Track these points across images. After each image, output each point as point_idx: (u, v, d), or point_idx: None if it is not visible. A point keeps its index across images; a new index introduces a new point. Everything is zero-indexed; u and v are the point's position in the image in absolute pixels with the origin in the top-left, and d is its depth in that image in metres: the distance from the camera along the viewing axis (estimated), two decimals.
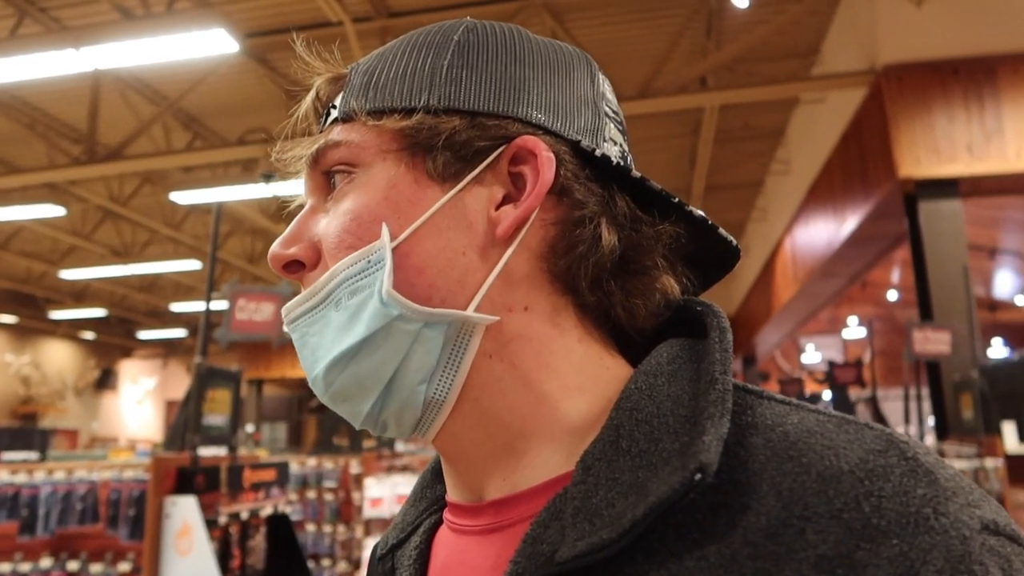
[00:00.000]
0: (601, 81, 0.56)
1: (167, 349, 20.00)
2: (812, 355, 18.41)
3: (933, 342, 4.72)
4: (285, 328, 0.54)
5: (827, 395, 15.75)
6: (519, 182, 0.51)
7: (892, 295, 13.00)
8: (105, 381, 18.40)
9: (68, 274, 12.36)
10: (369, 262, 0.49)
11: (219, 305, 3.25)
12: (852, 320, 15.21)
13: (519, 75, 0.52)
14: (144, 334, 18.30)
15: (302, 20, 6.44)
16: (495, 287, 0.49)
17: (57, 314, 15.68)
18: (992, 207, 8.15)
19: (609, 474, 0.44)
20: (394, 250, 0.49)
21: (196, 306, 14.39)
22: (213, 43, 5.34)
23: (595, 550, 0.41)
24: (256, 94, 7.64)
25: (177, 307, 15.36)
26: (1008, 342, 15.28)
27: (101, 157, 7.40)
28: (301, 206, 0.57)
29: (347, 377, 0.49)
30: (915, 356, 4.73)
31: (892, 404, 13.51)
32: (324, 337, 0.50)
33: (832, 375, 11.56)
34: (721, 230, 0.54)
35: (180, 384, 19.39)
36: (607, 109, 0.55)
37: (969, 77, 5.49)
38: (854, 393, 12.14)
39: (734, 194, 10.87)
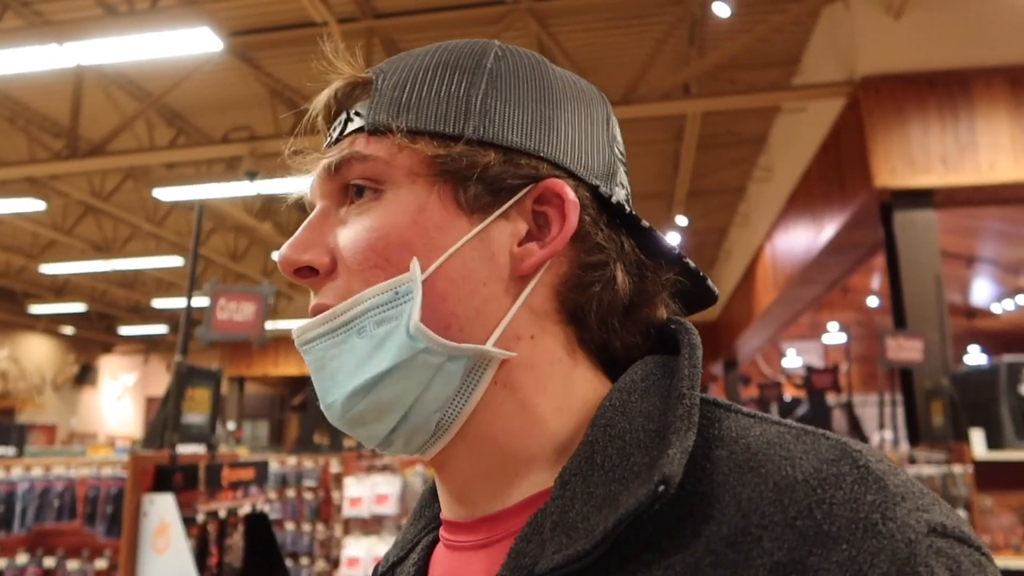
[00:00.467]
0: (613, 123, 0.59)
1: (148, 345, 19.84)
2: (793, 359, 18.53)
3: (906, 350, 4.80)
4: (298, 348, 0.54)
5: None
6: (540, 220, 0.53)
7: (872, 301, 13.12)
8: (84, 376, 18.23)
9: (48, 268, 12.25)
10: (397, 293, 0.50)
11: (201, 303, 3.26)
12: (832, 326, 15.33)
13: (549, 114, 0.53)
14: (125, 330, 18.14)
15: (287, 20, 6.44)
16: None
17: (36, 308, 15.52)
18: (970, 216, 8.27)
19: (585, 488, 0.45)
20: (423, 282, 0.50)
21: (178, 303, 14.29)
22: (197, 41, 5.33)
23: (571, 561, 0.43)
24: (240, 92, 7.63)
25: (159, 303, 15.26)
26: (985, 349, 15.47)
27: (83, 152, 7.35)
28: (300, 201, 0.58)
29: (368, 404, 0.50)
30: (888, 363, 4.81)
31: (869, 410, 13.65)
32: (346, 363, 0.51)
33: (810, 380, 11.68)
34: (709, 281, 0.58)
35: (161, 380, 19.24)
36: (618, 152, 0.58)
37: (944, 90, 5.59)
38: (831, 399, 12.25)
39: (717, 199, 10.94)
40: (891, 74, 5.65)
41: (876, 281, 11.55)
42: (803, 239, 7.66)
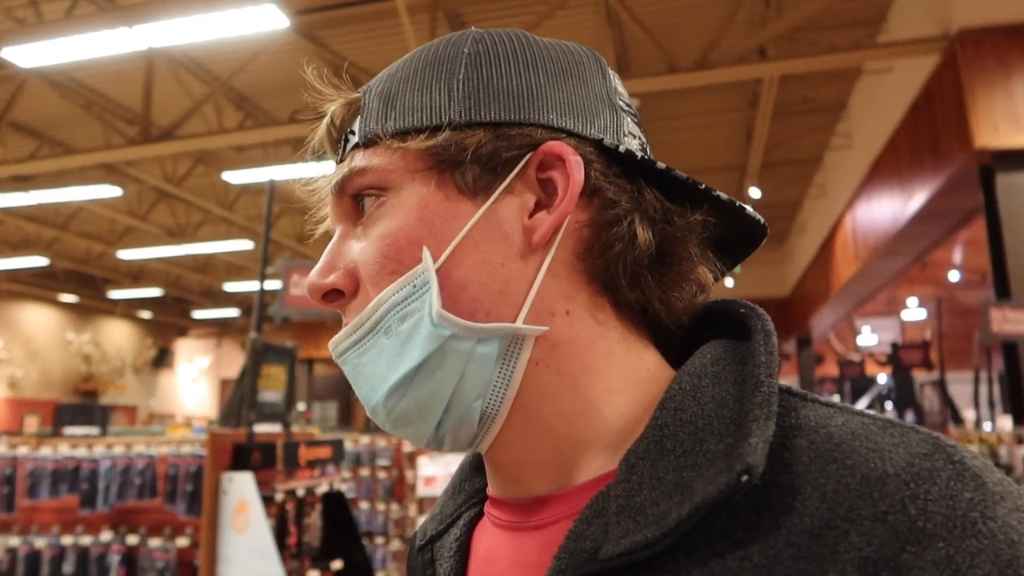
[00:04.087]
0: (612, 76, 0.56)
1: (220, 329, 20.40)
2: (868, 337, 17.86)
3: (1012, 322, 4.48)
4: (335, 361, 0.53)
5: (882, 378, 15.30)
6: (548, 187, 0.51)
7: (954, 276, 12.50)
8: (162, 359, 18.87)
9: (125, 254, 12.62)
10: (415, 287, 0.49)
11: (272, 285, 3.21)
12: (912, 301, 14.69)
13: (534, 82, 0.52)
14: (198, 314, 18.68)
15: None
16: (537, 294, 0.49)
17: (115, 294, 16.08)
18: None
19: (653, 473, 0.44)
20: (437, 271, 0.49)
21: (248, 286, 14.60)
22: (263, 19, 5.31)
23: (639, 548, 0.41)
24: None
25: (230, 287, 15.62)
26: None
27: (155, 137, 7.47)
28: (328, 234, 0.57)
29: (408, 402, 0.50)
30: (992, 336, 4.49)
31: (955, 388, 13.03)
32: (378, 366, 0.50)
33: (897, 356, 11.18)
34: (748, 209, 0.54)
35: (233, 363, 19.80)
36: (621, 104, 0.55)
37: None
38: (920, 376, 11.70)
39: (791, 170, 10.53)
40: (992, 26, 5.25)
41: (958, 254, 10.96)
42: (889, 209, 7.26)
